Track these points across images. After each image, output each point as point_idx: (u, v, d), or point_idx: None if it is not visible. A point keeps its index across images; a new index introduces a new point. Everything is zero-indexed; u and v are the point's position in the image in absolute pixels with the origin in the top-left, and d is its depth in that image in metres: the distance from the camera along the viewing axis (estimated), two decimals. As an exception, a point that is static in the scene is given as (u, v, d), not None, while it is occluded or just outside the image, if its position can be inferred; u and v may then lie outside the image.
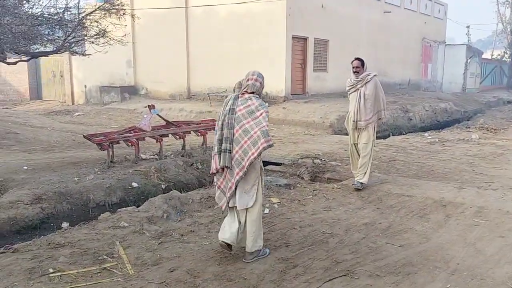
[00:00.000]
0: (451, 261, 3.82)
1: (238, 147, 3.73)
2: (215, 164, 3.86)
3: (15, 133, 11.30)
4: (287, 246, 4.16)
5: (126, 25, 14.42)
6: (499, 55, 36.99)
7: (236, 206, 3.83)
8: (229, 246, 3.87)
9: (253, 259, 3.84)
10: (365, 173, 6.15)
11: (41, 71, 22.96)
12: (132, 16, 12.86)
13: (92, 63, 19.07)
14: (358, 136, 6.20)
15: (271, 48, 15.37)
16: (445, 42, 29.74)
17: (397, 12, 22.80)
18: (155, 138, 8.42)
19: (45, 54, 8.62)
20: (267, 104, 4.08)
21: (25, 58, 9.45)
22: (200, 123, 9.42)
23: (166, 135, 8.64)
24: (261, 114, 3.75)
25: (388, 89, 21.41)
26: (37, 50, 8.45)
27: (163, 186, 7.09)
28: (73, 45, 8.50)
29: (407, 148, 9.99)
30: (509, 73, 37.64)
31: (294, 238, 4.36)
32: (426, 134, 12.54)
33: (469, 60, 28.86)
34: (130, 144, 8.13)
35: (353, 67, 6.01)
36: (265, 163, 8.98)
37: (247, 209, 3.83)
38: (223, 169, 3.83)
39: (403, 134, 13.56)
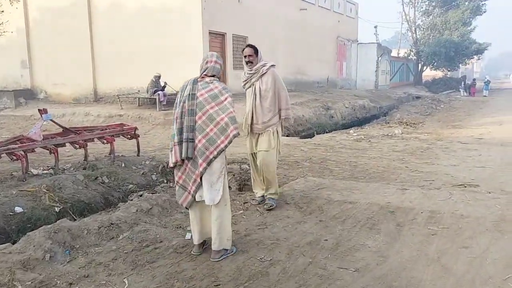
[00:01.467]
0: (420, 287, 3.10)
1: (201, 135, 3.49)
2: (174, 156, 3.58)
3: None
4: (216, 286, 3.17)
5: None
6: (405, 53, 39.23)
7: (203, 201, 3.61)
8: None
9: (220, 258, 3.62)
10: (273, 188, 5.01)
11: None
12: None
13: None
14: (256, 143, 4.92)
15: (187, 44, 14.22)
16: (358, 41, 30.67)
17: (312, 10, 22.83)
18: (48, 149, 6.93)
19: None
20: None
21: None
22: (106, 129, 8.07)
23: (63, 145, 7.18)
24: (226, 98, 3.53)
25: (307, 88, 21.39)
26: None
27: (56, 209, 5.71)
28: None
29: (335, 146, 9.49)
30: (414, 70, 40.13)
31: (225, 273, 3.38)
32: (351, 131, 12.28)
33: (380, 58, 30.03)
34: (15, 157, 6.58)
35: (245, 56, 4.79)
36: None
37: (213, 205, 3.61)
38: (183, 161, 3.59)
39: (327, 132, 13.24)
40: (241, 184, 6.51)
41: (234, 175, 6.69)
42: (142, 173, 7.28)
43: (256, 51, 4.77)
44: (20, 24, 16.58)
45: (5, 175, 6.76)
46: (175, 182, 3.74)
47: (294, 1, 21.16)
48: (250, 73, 4.82)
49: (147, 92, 13.92)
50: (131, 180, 6.90)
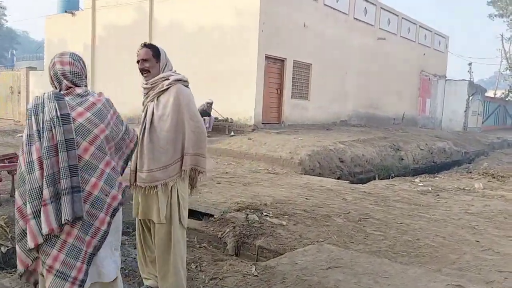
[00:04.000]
0: None
1: (95, 177, 2.31)
2: (47, 224, 2.19)
3: None
4: None
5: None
6: (503, 93, 34.95)
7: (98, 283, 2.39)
8: None
9: None
10: (170, 273, 3.07)
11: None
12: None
13: (48, 77, 16.99)
14: (146, 205, 3.09)
15: (241, 68, 13.15)
16: (446, 77, 27.72)
17: (393, 40, 20.82)
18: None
19: None
20: None
21: None
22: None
23: None
24: (115, 114, 2.48)
25: (381, 124, 19.22)
26: None
27: (3, 250, 4.66)
28: None
29: (389, 198, 7.55)
30: (513, 113, 35.58)
31: None
32: (417, 179, 10.10)
33: (471, 97, 26.75)
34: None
35: (137, 62, 3.17)
36: (190, 212, 6.56)
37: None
38: (61, 228, 2.22)
39: (393, 177, 11.17)
40: (240, 241, 4.97)
41: (235, 227, 5.19)
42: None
43: (156, 53, 3.13)
44: (87, 41, 16.83)
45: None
46: (41, 268, 2.29)
47: (372, 29, 19.38)
48: (145, 88, 3.18)
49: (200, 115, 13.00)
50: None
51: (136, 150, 2.94)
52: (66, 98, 2.33)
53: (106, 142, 2.39)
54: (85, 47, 17.10)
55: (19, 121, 19.52)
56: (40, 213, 2.20)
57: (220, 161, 10.86)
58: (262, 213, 5.81)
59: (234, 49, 13.20)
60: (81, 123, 2.29)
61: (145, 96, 3.17)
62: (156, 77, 3.11)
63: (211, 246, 4.87)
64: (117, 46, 16.41)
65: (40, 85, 18.96)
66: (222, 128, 13.03)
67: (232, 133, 12.62)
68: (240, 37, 13.12)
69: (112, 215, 2.40)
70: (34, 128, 2.26)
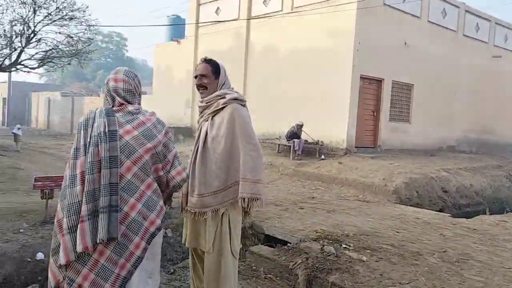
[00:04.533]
0: None
1: (134, 198, 2.21)
2: (82, 241, 2.10)
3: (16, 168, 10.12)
4: None
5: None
6: None
7: None
8: None
9: None
10: None
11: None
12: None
13: (155, 101, 18.33)
14: (192, 231, 2.92)
15: (335, 89, 12.68)
16: None
17: (510, 58, 18.62)
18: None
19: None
20: None
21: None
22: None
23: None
24: (166, 136, 2.41)
25: (495, 151, 17.11)
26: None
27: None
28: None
29: (499, 237, 6.46)
30: None
31: None
32: (537, 216, 8.59)
33: None
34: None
35: (195, 77, 3.01)
36: (266, 237, 6.28)
37: None
38: (95, 247, 2.14)
39: (507, 212, 9.69)
40: (311, 276, 4.53)
41: (307, 258, 4.77)
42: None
43: (215, 69, 2.91)
44: (189, 66, 17.78)
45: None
46: (68, 283, 2.16)
47: (485, 47, 17.56)
48: (201, 106, 2.99)
49: (286, 138, 12.83)
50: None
51: (187, 172, 2.77)
52: (117, 115, 2.30)
53: (151, 163, 2.32)
54: (187, 72, 18.10)
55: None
56: (75, 228, 2.12)
57: (307, 185, 10.46)
58: (341, 245, 5.30)
59: (328, 69, 12.83)
60: (127, 141, 2.24)
61: (200, 115, 3.02)
62: (212, 95, 2.92)
63: (278, 278, 4.52)
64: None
65: (150, 109, 20.50)
66: (312, 151, 12.63)
67: (323, 157, 12.15)
68: (334, 57, 12.72)
69: (149, 241, 2.27)
70: (82, 142, 2.23)
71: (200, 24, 17.89)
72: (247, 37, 15.89)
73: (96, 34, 45.23)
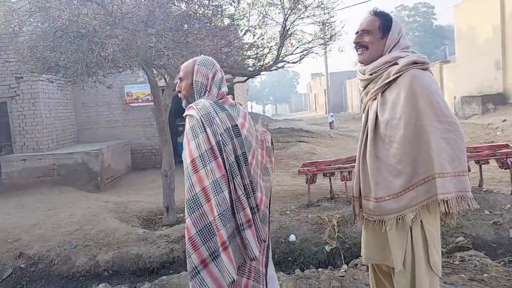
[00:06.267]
0: None
1: (259, 191, 2.10)
2: (254, 247, 1.97)
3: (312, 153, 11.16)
4: None
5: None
6: None
7: None
8: None
9: None
10: None
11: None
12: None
13: (460, 68, 16.73)
14: (376, 244, 2.20)
15: None
16: None
17: None
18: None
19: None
20: None
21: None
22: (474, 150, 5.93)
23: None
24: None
25: None
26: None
27: (327, 248, 4.86)
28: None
29: None
30: None
31: None
32: None
33: None
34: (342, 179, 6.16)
35: (356, 33, 2.20)
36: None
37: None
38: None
39: None
40: None
41: None
42: (493, 223, 4.78)
43: (384, 25, 2.07)
44: (495, 21, 14.94)
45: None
46: (246, 277, 2.02)
47: None
48: (363, 80, 2.14)
49: None
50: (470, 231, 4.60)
51: (357, 170, 2.27)
52: (228, 108, 2.10)
53: (259, 154, 2.23)
54: (494, 29, 15.31)
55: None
56: (234, 236, 1.94)
57: None
58: None
59: None
60: (245, 135, 2.07)
61: (363, 91, 2.29)
62: (377, 62, 2.15)
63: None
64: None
65: (452, 78, 18.64)
66: None
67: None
68: None
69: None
70: (212, 142, 1.93)
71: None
72: None
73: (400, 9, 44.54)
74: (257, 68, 6.74)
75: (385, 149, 2.10)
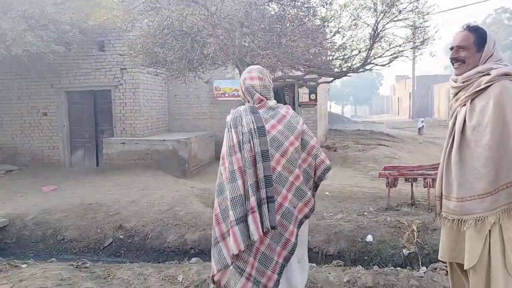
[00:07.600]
0: None
1: (285, 188, 2.39)
2: (257, 230, 2.26)
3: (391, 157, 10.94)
4: None
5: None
6: None
7: None
8: None
9: None
10: None
11: None
12: None
13: None
14: (453, 242, 2.31)
15: None
16: None
17: None
18: None
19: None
20: None
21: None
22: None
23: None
24: (302, 125, 2.55)
25: None
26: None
27: (405, 252, 4.90)
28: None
29: None
30: None
31: None
32: None
33: None
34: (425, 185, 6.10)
35: (451, 49, 2.33)
36: None
37: None
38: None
39: None
40: None
41: None
42: None
43: (479, 40, 2.17)
44: None
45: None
46: (238, 273, 2.33)
47: None
48: (455, 87, 2.24)
49: None
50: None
51: (441, 169, 2.41)
52: (260, 111, 2.46)
53: (297, 155, 2.46)
54: None
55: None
56: (242, 219, 2.28)
57: None
58: None
59: None
60: (274, 136, 2.39)
61: (453, 97, 2.43)
62: (471, 72, 2.28)
63: None
64: None
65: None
66: None
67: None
68: None
69: (298, 228, 2.44)
70: (235, 140, 2.39)
71: None
72: None
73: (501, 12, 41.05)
74: (344, 69, 6.85)
75: (470, 153, 2.21)
